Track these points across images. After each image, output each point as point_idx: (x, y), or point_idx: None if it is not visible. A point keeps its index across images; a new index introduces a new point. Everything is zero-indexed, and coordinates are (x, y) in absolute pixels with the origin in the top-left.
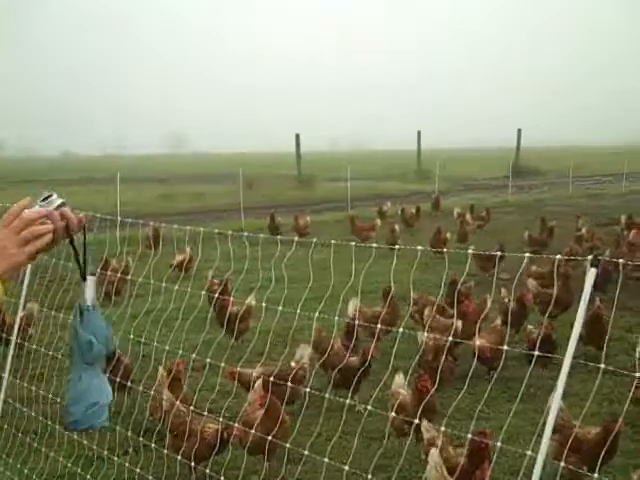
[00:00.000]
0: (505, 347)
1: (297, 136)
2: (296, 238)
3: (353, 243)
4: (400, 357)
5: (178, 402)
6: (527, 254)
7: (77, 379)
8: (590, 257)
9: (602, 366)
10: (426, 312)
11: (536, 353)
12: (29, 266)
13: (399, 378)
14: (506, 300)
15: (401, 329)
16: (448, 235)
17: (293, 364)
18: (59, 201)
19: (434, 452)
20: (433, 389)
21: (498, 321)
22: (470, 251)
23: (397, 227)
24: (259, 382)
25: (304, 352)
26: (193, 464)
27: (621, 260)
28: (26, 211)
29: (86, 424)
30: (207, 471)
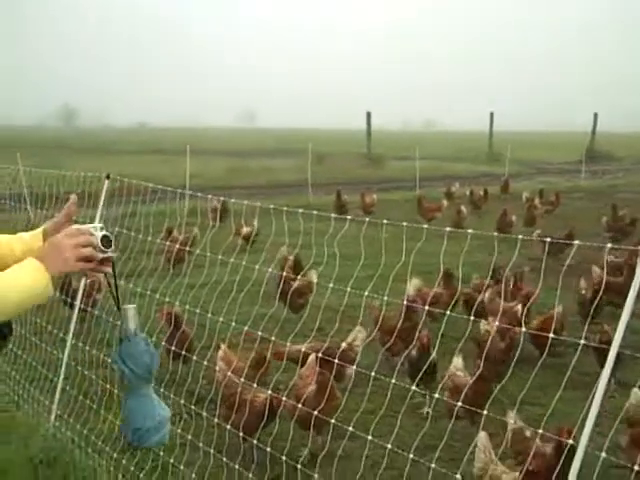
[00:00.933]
0: (551, 334)
1: (368, 114)
2: (350, 217)
3: (405, 223)
4: (456, 340)
5: (229, 373)
6: (578, 242)
7: (124, 403)
8: None
9: None
10: (487, 296)
11: (582, 342)
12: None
13: (457, 360)
14: (582, 291)
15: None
16: (514, 218)
17: (344, 345)
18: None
19: (483, 435)
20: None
21: (559, 308)
22: (535, 237)
23: (464, 208)
24: (312, 357)
25: (358, 334)
26: (242, 434)
27: None
28: (81, 227)
29: (139, 445)
30: (254, 442)
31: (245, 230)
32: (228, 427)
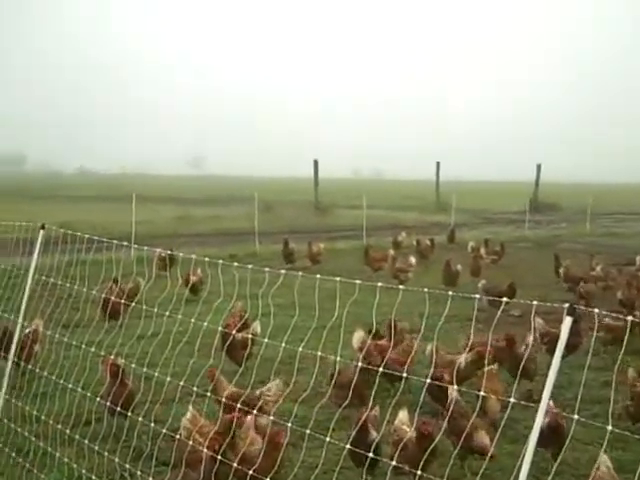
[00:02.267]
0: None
1: (315, 162)
2: (283, 271)
3: (336, 279)
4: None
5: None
6: (502, 299)
7: None
8: (566, 305)
9: (575, 417)
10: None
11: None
12: (28, 283)
13: (403, 414)
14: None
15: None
16: (459, 267)
17: (257, 392)
18: None
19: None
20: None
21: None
22: (476, 295)
23: (412, 259)
24: (249, 418)
25: (273, 386)
26: None
27: (596, 310)
28: None
29: None
30: None
31: (192, 279)
32: None
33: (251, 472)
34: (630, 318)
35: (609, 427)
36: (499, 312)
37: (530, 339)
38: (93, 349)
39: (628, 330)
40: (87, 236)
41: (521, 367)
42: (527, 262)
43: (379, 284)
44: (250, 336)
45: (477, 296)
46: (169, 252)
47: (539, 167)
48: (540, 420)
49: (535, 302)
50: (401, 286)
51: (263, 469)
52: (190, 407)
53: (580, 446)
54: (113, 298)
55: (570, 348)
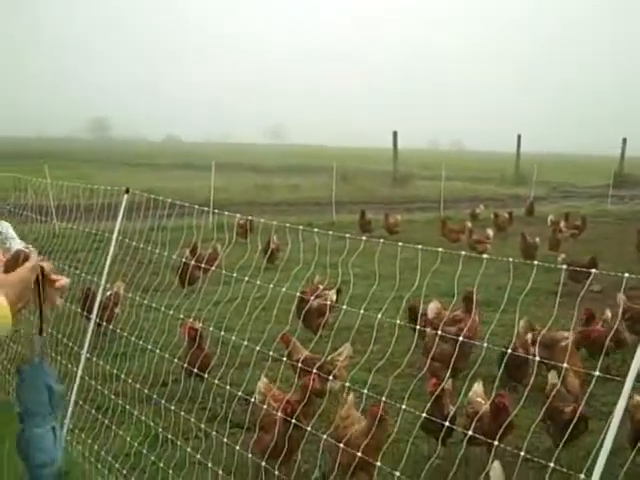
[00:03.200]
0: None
1: (395, 133)
2: (364, 238)
3: (417, 247)
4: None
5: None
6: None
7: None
8: None
9: None
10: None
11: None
12: (111, 247)
13: (478, 386)
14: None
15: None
16: (537, 240)
17: (329, 358)
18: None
19: (497, 466)
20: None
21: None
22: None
23: (490, 231)
24: (351, 397)
25: (344, 351)
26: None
27: None
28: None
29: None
30: (262, 463)
31: (272, 246)
32: (237, 448)
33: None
34: None
35: None
36: (583, 288)
37: (609, 314)
38: (172, 312)
39: None
40: (169, 201)
41: (606, 343)
42: (609, 237)
43: (462, 253)
44: (328, 303)
45: (563, 266)
46: (249, 218)
47: (624, 141)
48: (627, 394)
49: (626, 275)
50: (485, 255)
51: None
52: (263, 376)
53: None
54: (192, 263)
55: None
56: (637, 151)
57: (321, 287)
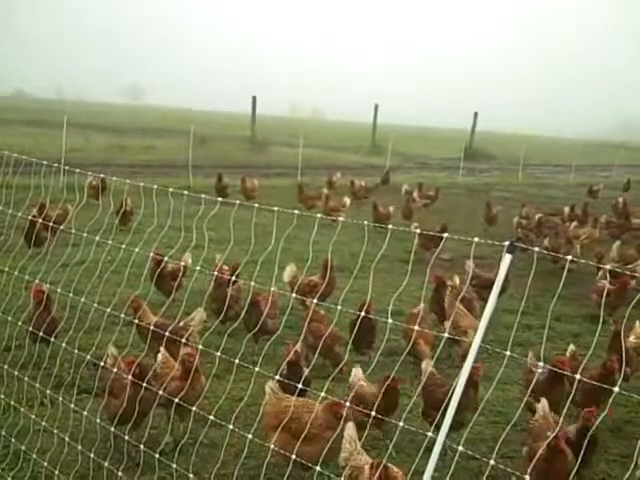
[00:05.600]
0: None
1: (254, 98)
2: (220, 199)
3: (273, 209)
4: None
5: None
6: (447, 235)
7: None
8: (506, 243)
9: (507, 353)
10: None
11: (445, 335)
12: None
13: (357, 370)
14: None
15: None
16: (391, 209)
17: (181, 324)
18: None
19: (350, 426)
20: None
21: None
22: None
23: (346, 199)
24: (162, 351)
25: (196, 315)
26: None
27: (536, 248)
28: None
29: None
30: (112, 429)
31: (124, 207)
32: (85, 413)
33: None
34: (570, 257)
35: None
36: (434, 253)
37: (457, 280)
38: (16, 274)
39: (565, 272)
40: (15, 156)
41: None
42: (459, 208)
43: (318, 215)
44: (182, 264)
45: (416, 231)
46: (101, 176)
47: (476, 115)
48: (474, 354)
49: (476, 239)
50: (340, 218)
51: (186, 396)
52: (112, 347)
53: (501, 386)
54: (39, 221)
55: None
56: (487, 126)
57: (225, 268)
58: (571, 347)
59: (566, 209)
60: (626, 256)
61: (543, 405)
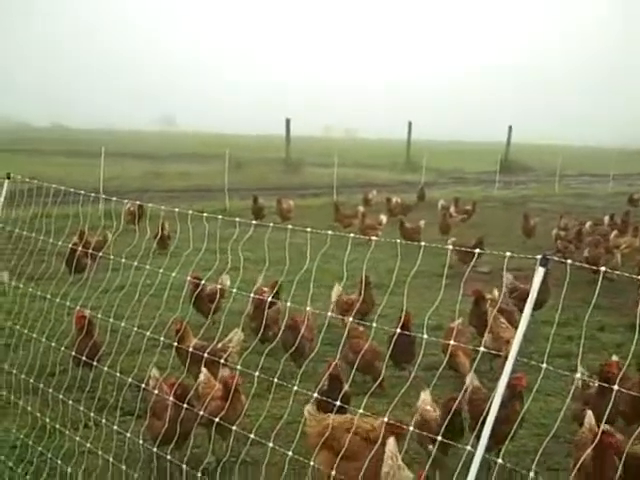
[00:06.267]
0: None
1: (287, 120)
2: (254, 222)
3: (307, 230)
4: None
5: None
6: (488, 251)
7: None
8: (539, 256)
9: (544, 366)
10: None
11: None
12: None
13: (426, 394)
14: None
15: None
16: (421, 224)
17: (220, 345)
18: None
19: (391, 441)
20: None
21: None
22: (449, 246)
23: (382, 217)
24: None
25: (234, 336)
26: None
27: (569, 261)
28: None
29: None
30: (154, 450)
31: (161, 232)
32: (128, 435)
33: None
34: (603, 269)
35: (577, 375)
36: (471, 265)
37: (496, 293)
38: (58, 300)
39: (600, 283)
40: (54, 186)
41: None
42: (496, 221)
43: (351, 235)
44: (219, 287)
45: (449, 247)
46: (137, 203)
47: (510, 128)
48: (510, 367)
49: (508, 254)
50: (374, 237)
51: (227, 416)
52: (154, 369)
53: (542, 397)
54: (79, 249)
55: (538, 303)
56: (521, 138)
57: (265, 289)
58: (614, 357)
59: (606, 218)
60: None
61: (589, 417)
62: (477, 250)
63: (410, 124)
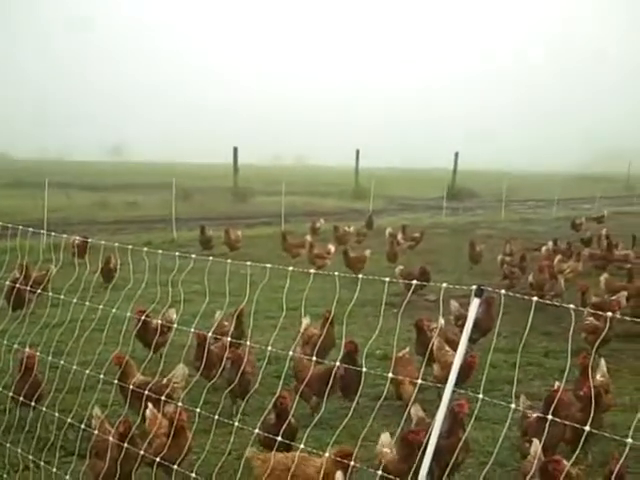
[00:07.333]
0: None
1: (235, 149)
2: (194, 255)
3: (246, 263)
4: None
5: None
6: (423, 282)
7: None
8: (474, 287)
9: (480, 396)
10: None
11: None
12: None
13: (385, 436)
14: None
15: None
16: (367, 253)
17: (164, 381)
18: None
19: (339, 475)
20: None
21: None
22: (386, 279)
23: (331, 246)
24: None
25: (178, 371)
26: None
27: (502, 291)
28: None
29: None
30: None
31: (104, 266)
32: (67, 478)
33: (158, 459)
34: (535, 299)
35: (512, 406)
36: (410, 294)
37: (441, 322)
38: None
39: (532, 311)
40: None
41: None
42: (444, 248)
43: (290, 268)
44: (159, 322)
45: (386, 279)
46: (80, 238)
47: (457, 155)
48: (447, 399)
49: (444, 284)
50: (312, 270)
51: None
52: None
53: (489, 425)
54: (18, 285)
55: (482, 330)
56: (468, 165)
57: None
58: (557, 384)
59: (550, 243)
60: (613, 287)
61: (535, 446)
62: (414, 282)
63: (357, 152)
